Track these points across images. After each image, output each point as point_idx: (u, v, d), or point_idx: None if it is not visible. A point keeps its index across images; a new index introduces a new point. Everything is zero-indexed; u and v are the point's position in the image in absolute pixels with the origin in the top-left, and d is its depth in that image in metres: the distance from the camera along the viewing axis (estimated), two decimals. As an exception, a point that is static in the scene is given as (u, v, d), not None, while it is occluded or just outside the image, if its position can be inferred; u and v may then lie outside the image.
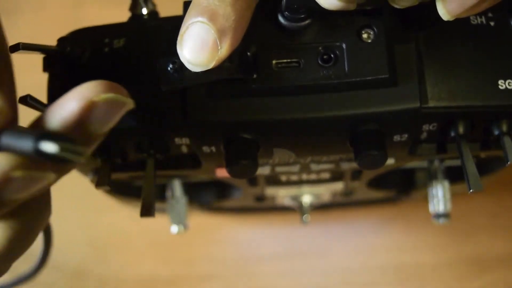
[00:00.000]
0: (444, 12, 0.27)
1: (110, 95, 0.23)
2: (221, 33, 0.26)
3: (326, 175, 0.39)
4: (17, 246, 0.26)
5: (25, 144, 0.21)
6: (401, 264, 0.51)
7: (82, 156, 0.22)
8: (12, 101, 0.24)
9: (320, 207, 0.48)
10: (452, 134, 0.31)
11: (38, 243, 0.34)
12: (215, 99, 0.29)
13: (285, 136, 0.31)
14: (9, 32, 0.29)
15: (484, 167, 0.39)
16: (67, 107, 0.23)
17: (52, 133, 0.22)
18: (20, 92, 0.30)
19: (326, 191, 0.43)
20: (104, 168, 0.33)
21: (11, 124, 0.23)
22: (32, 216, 0.26)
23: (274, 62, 0.29)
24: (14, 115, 0.24)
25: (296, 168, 0.36)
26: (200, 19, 0.26)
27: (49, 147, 0.21)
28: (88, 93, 0.23)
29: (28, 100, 0.30)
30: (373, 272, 0.51)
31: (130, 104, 0.24)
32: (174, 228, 0.43)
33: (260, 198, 0.45)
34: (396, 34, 0.30)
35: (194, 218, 0.47)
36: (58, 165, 0.23)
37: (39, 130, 0.22)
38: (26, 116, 0.25)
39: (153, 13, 0.33)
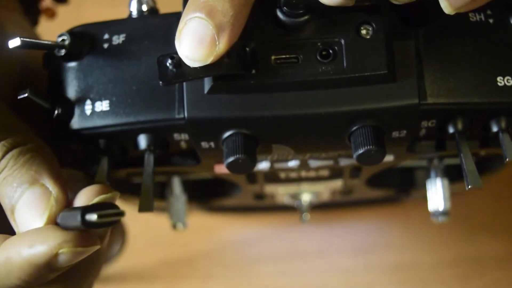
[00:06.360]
0: (446, 4, 0.26)
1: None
2: (219, 29, 0.26)
3: (325, 173, 0.39)
4: None
5: (75, 220, 0.26)
6: (401, 264, 0.51)
7: (122, 215, 0.26)
8: (64, 188, 0.29)
9: (320, 206, 0.48)
10: (451, 131, 0.31)
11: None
12: (213, 95, 0.30)
13: (284, 132, 0.31)
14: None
15: (484, 166, 0.39)
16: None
17: (91, 206, 0.27)
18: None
19: (325, 189, 0.43)
20: (103, 164, 0.33)
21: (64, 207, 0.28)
22: (80, 275, 0.30)
23: (272, 57, 0.29)
24: (67, 199, 0.28)
25: (295, 164, 0.36)
26: (198, 14, 0.26)
27: (91, 217, 0.25)
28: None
29: (28, 95, 0.30)
30: (373, 272, 0.51)
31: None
32: (174, 226, 0.43)
33: (260, 196, 0.45)
34: (395, 31, 0.30)
35: (194, 218, 0.47)
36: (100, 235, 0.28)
37: (81, 207, 0.27)
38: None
39: (152, 10, 0.33)
